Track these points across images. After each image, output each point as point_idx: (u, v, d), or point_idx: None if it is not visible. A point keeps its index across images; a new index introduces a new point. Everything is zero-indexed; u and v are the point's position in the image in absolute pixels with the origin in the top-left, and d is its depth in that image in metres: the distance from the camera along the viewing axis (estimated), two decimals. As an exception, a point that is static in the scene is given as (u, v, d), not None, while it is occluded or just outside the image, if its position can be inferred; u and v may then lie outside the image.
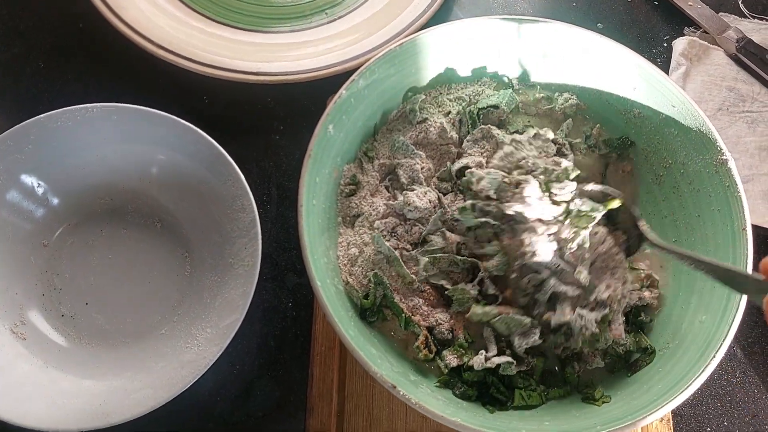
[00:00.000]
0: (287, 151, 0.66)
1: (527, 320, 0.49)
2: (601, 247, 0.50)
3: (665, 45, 0.73)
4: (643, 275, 0.54)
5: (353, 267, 0.52)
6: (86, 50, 0.69)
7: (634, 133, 0.57)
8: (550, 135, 0.55)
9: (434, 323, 0.50)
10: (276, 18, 0.70)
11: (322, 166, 0.52)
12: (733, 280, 0.42)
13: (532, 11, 0.75)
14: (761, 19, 0.75)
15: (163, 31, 0.65)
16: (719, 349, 0.45)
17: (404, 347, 0.50)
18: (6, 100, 0.67)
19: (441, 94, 0.58)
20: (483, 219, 0.50)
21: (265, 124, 0.67)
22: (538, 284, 0.49)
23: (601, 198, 0.51)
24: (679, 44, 0.71)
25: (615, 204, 0.50)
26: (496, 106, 0.57)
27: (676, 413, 0.57)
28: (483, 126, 0.56)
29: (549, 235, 0.49)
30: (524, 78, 0.59)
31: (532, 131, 0.56)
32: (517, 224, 0.49)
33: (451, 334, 0.50)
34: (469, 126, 0.57)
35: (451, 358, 0.49)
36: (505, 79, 0.59)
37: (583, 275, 0.48)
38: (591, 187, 0.51)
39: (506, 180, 0.51)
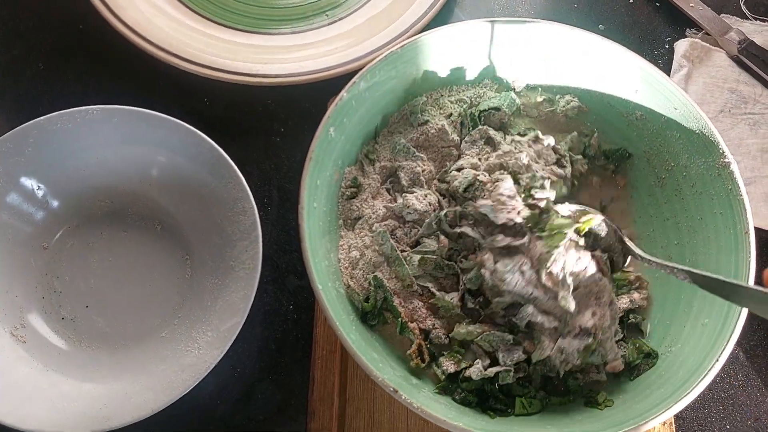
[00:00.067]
0: (288, 153, 0.65)
1: (509, 337, 0.48)
2: (583, 273, 0.48)
3: (667, 47, 0.73)
4: (632, 277, 0.54)
5: (354, 270, 0.52)
6: (86, 51, 0.69)
7: (636, 135, 0.57)
8: (551, 141, 0.55)
9: (431, 327, 0.50)
10: (277, 19, 0.70)
11: (323, 168, 0.51)
12: (731, 292, 0.41)
13: (533, 13, 0.75)
14: (763, 20, 0.75)
15: (164, 32, 0.65)
16: (722, 352, 0.45)
17: (405, 351, 0.50)
18: (6, 102, 0.66)
19: (442, 96, 0.58)
20: (461, 229, 0.50)
21: (266, 125, 0.66)
22: (506, 307, 0.48)
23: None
24: (681, 46, 0.71)
25: (591, 224, 0.49)
26: (497, 109, 0.57)
27: (678, 416, 0.57)
28: (481, 127, 0.56)
29: (514, 256, 0.48)
30: (526, 80, 0.59)
31: (533, 134, 0.56)
32: (485, 239, 0.49)
33: (448, 339, 0.50)
34: (470, 128, 0.57)
35: (448, 364, 0.48)
36: (507, 82, 0.59)
37: (568, 302, 0.46)
38: (568, 206, 0.50)
39: (480, 178, 0.51)
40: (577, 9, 0.76)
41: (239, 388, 0.56)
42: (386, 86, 0.55)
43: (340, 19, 0.71)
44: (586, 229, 0.49)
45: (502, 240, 0.49)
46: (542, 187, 0.51)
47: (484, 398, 0.49)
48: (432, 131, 0.56)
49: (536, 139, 0.55)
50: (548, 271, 0.47)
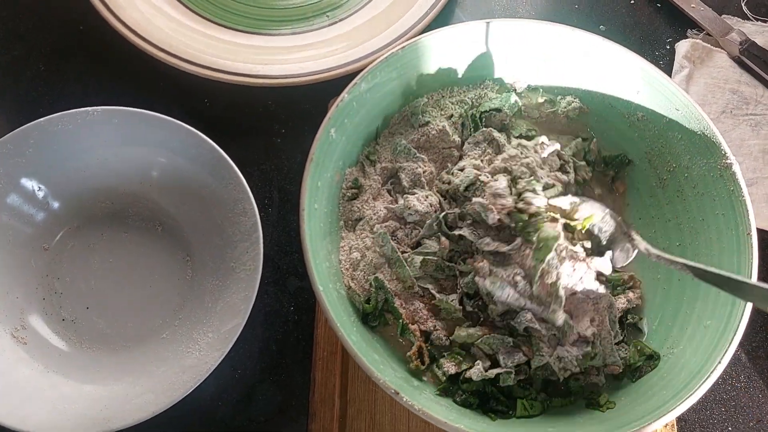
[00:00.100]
0: (288, 154, 0.65)
1: (509, 339, 0.48)
2: (579, 283, 0.48)
3: (668, 47, 0.73)
4: (626, 276, 0.54)
5: (355, 271, 0.52)
6: (86, 52, 0.69)
7: (638, 136, 0.57)
8: (557, 147, 0.55)
9: (432, 328, 0.50)
10: (277, 20, 0.70)
11: (324, 170, 0.51)
12: (737, 288, 0.42)
13: (534, 14, 0.75)
14: (764, 21, 0.74)
15: (164, 33, 0.65)
16: (725, 354, 0.45)
17: (405, 352, 0.50)
18: (6, 102, 0.66)
19: (443, 97, 0.58)
20: (459, 231, 0.50)
21: (266, 126, 0.66)
22: (503, 312, 0.48)
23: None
24: (682, 47, 0.71)
25: (592, 220, 0.49)
26: (498, 110, 0.57)
27: (680, 418, 0.56)
28: (484, 129, 0.56)
29: (508, 266, 0.48)
30: (527, 81, 0.59)
31: (539, 139, 0.55)
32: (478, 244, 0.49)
33: (448, 340, 0.50)
34: (471, 129, 0.57)
35: (448, 366, 0.48)
36: (508, 82, 0.59)
37: (557, 316, 0.46)
38: (569, 199, 0.50)
39: (482, 178, 0.51)
40: (578, 10, 0.75)
41: (240, 390, 0.56)
42: (387, 87, 0.55)
43: (340, 20, 0.71)
44: (587, 226, 0.49)
45: (489, 244, 0.49)
46: (535, 192, 0.50)
47: (485, 400, 0.48)
48: (433, 132, 0.56)
49: (542, 145, 0.55)
50: (539, 284, 0.47)
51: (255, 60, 0.65)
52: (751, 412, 0.57)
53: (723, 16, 0.74)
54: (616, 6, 0.76)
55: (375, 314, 0.50)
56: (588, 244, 0.50)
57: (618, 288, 0.53)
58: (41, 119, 0.56)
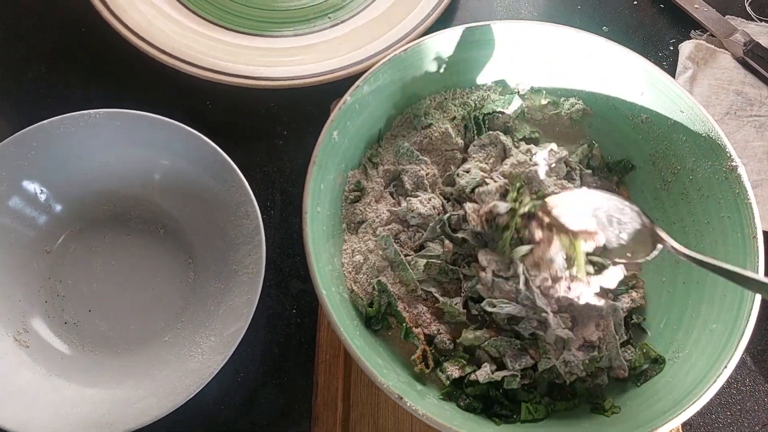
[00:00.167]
0: (291, 157, 0.65)
1: (517, 342, 0.48)
2: (576, 300, 0.47)
3: (671, 48, 0.73)
4: (629, 274, 0.53)
5: (358, 274, 0.51)
6: (87, 53, 0.69)
7: (642, 138, 0.56)
8: (564, 153, 0.55)
9: (435, 332, 0.50)
10: (279, 22, 0.70)
11: (327, 172, 0.51)
12: (753, 286, 0.42)
13: (536, 15, 0.75)
14: (768, 22, 0.74)
15: (165, 35, 0.65)
16: (731, 358, 0.44)
17: (409, 356, 0.50)
18: (7, 104, 0.66)
19: (446, 99, 0.58)
20: (462, 235, 0.50)
21: (269, 129, 0.66)
22: (506, 318, 0.48)
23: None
24: (686, 48, 0.71)
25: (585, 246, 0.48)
26: (501, 112, 0.56)
27: (685, 423, 0.56)
28: (491, 132, 0.55)
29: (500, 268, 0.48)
30: (530, 83, 0.59)
31: (548, 146, 0.55)
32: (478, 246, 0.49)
33: (452, 344, 0.50)
34: (474, 131, 0.56)
35: (452, 370, 0.48)
36: (511, 84, 0.59)
37: (561, 331, 0.47)
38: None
39: (488, 180, 0.51)
40: (581, 11, 0.75)
41: (243, 393, 0.56)
42: (389, 89, 0.55)
43: (342, 22, 0.70)
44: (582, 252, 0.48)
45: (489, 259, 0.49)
46: (503, 200, 0.50)
47: (489, 404, 0.48)
48: (436, 134, 0.55)
49: (551, 152, 0.54)
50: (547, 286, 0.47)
51: (257, 62, 0.65)
52: (757, 416, 0.57)
53: (726, 16, 0.73)
54: (619, 7, 0.76)
55: (378, 318, 0.50)
56: (595, 261, 0.49)
57: (622, 287, 0.53)
58: (43, 122, 0.56)
